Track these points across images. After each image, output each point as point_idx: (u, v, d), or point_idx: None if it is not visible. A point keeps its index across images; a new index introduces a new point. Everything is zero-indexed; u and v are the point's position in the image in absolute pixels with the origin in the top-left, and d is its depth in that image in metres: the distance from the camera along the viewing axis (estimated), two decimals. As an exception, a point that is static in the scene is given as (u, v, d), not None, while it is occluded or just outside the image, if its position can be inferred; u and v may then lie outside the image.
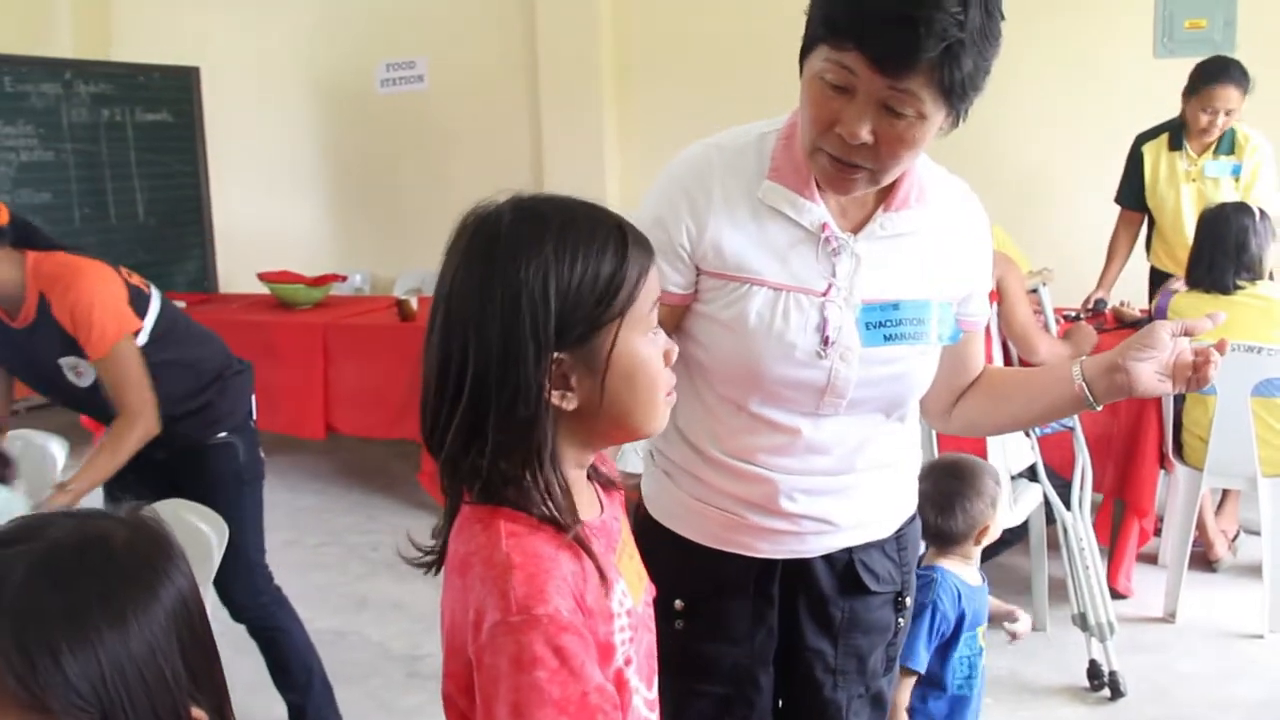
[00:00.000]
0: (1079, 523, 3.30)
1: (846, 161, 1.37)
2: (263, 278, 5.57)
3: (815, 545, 1.59)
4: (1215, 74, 4.03)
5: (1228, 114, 4.04)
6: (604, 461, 1.26)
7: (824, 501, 1.56)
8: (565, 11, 6.07)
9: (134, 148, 6.22)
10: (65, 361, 2.58)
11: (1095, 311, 4.34)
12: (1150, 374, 1.42)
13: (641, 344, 1.10)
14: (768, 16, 4.43)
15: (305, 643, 2.90)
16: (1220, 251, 3.53)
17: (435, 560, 1.15)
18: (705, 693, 1.63)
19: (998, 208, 4.88)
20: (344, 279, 6.01)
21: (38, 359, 2.60)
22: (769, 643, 1.63)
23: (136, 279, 2.69)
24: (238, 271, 6.45)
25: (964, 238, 1.57)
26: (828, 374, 1.49)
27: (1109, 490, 3.73)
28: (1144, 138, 4.37)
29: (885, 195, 1.50)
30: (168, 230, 6.37)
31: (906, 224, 1.51)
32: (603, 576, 1.07)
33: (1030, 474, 3.43)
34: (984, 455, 3.19)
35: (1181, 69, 4.17)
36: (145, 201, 6.27)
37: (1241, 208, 3.63)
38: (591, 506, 1.17)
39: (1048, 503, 3.34)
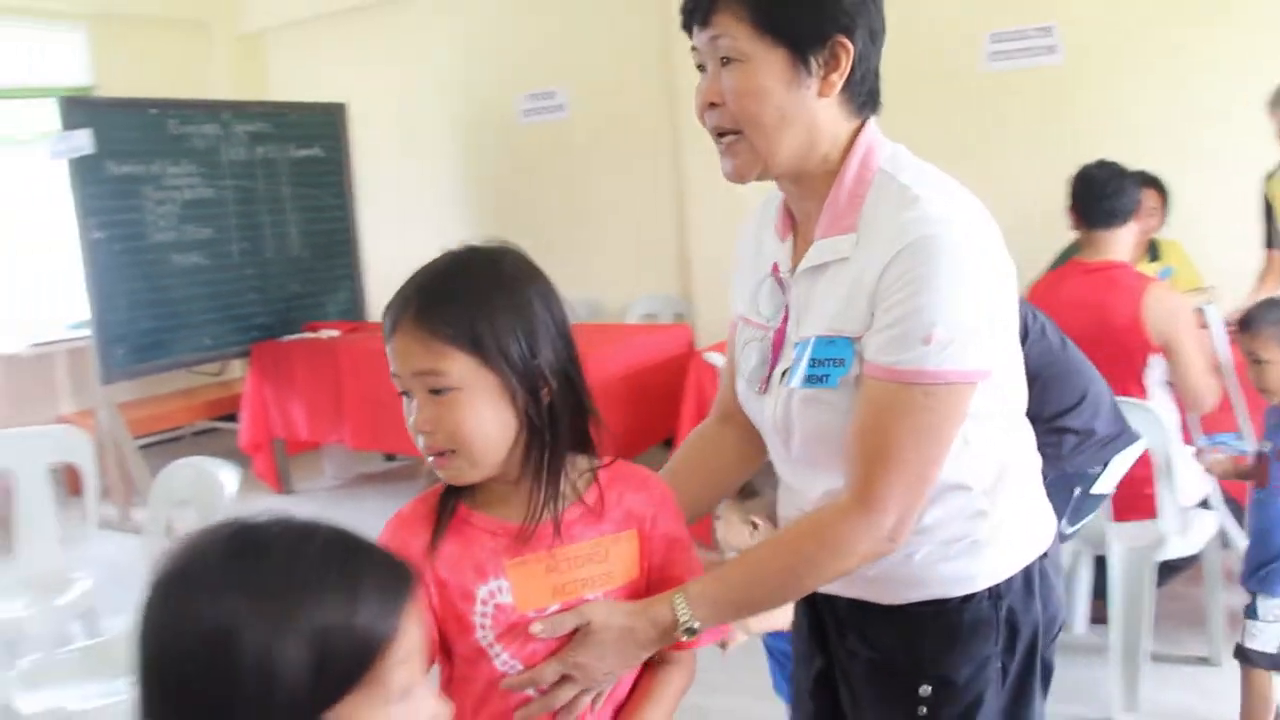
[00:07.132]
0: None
1: (719, 132, 1.46)
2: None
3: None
4: None
5: None
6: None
7: None
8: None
9: (287, 183, 6.43)
10: None
11: None
12: None
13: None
14: (922, 55, 4.36)
15: None
16: None
17: None
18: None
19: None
20: (489, 307, 6.08)
21: None
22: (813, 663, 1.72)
23: None
24: (386, 301, 6.58)
25: (883, 269, 1.35)
26: (766, 411, 1.54)
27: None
28: (1269, 175, 4.13)
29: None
30: (319, 262, 6.57)
31: (826, 253, 1.44)
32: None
33: (1203, 503, 3.29)
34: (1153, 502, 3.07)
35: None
36: (299, 235, 6.47)
37: None
38: (515, 511, 1.33)
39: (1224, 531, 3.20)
